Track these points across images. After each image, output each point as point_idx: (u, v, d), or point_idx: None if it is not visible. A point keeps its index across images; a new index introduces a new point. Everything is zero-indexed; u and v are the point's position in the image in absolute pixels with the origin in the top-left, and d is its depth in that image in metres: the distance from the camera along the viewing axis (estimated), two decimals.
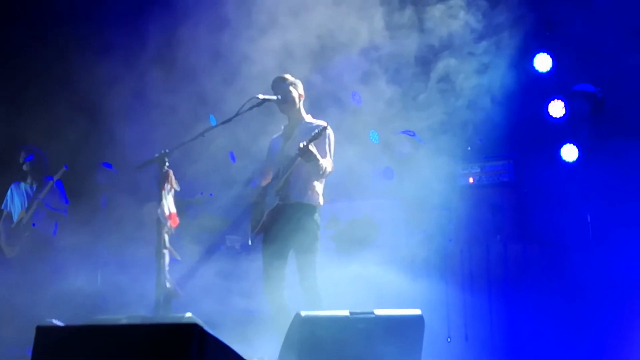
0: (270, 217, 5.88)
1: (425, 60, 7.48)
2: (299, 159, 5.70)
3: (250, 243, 6.07)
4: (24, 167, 8.35)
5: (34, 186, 8.35)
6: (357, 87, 7.50)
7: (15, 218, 8.24)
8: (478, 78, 7.24)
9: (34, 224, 8.13)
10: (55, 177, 8.13)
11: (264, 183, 6.05)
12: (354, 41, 7.16)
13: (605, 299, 6.53)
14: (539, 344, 6.68)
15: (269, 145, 6.23)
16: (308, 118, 6.09)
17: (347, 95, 7.62)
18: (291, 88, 6.00)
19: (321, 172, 5.77)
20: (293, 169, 5.80)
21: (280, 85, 5.99)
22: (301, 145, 5.64)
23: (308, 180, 5.88)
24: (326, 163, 5.79)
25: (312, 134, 5.71)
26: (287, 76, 6.05)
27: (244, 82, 6.87)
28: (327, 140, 5.87)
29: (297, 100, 6.03)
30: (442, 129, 7.41)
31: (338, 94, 7.49)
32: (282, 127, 6.18)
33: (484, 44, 7.22)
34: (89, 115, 8.50)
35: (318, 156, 5.70)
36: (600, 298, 6.56)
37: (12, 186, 8.42)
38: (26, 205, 8.23)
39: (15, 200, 8.34)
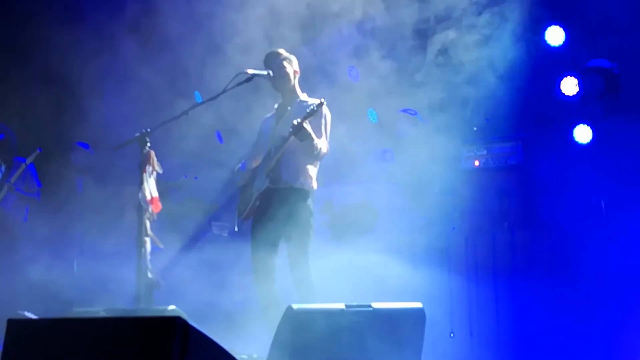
0: (260, 202, 5.88)
1: (425, 33, 7.46)
2: (292, 137, 5.69)
3: (236, 229, 6.06)
4: None
5: (3, 167, 8.32)
6: (352, 61, 7.48)
7: None
8: (484, 52, 7.21)
9: (3, 209, 8.11)
10: (28, 160, 8.09)
11: (254, 165, 6.04)
12: (347, 11, 7.14)
13: (620, 291, 6.54)
14: (548, 340, 6.71)
15: (260, 126, 6.22)
16: (303, 96, 6.08)
17: (341, 70, 7.59)
18: (285, 63, 5.99)
19: (315, 153, 5.76)
20: (285, 149, 5.79)
21: (274, 61, 5.97)
22: (295, 122, 5.63)
23: (301, 162, 5.87)
24: (321, 143, 5.78)
25: (307, 110, 5.70)
26: (281, 51, 6.03)
27: (231, 54, 6.84)
28: (323, 119, 5.86)
29: (291, 76, 6.02)
30: (446, 107, 7.39)
31: (331, 68, 7.47)
32: (275, 107, 6.17)
33: (489, 15, 7.19)
34: (61, 91, 8.43)
35: (313, 135, 5.69)
36: (615, 290, 6.57)
37: None
38: None
39: None
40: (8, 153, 8.34)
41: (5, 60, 8.73)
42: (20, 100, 8.31)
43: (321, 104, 5.73)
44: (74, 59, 8.27)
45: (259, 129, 6.21)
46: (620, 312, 6.50)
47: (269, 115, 6.20)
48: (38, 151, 8.05)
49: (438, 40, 7.26)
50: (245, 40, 6.85)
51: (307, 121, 5.66)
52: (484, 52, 7.21)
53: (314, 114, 5.70)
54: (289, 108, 6.02)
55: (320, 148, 5.77)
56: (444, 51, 7.25)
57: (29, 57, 8.62)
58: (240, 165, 6.15)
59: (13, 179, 8.04)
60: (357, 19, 7.27)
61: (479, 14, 7.14)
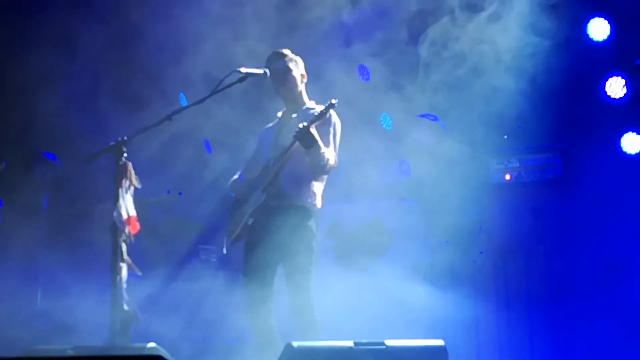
0: (254, 220, 5.87)
1: (446, 26, 7.47)
2: (296, 145, 5.68)
3: (225, 251, 6.05)
4: None
5: None
6: (369, 57, 7.53)
7: None
8: (516, 49, 7.23)
9: None
10: None
11: (251, 178, 6.04)
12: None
13: None
14: None
15: (258, 137, 6.22)
16: (311, 103, 6.08)
17: (350, 70, 7.63)
18: (291, 66, 6.00)
19: (322, 164, 5.75)
20: (287, 160, 5.79)
21: (277, 63, 5.98)
22: (301, 125, 5.63)
23: (305, 176, 5.87)
24: (329, 153, 5.77)
25: (320, 110, 5.70)
26: (286, 51, 6.05)
27: (221, 48, 6.89)
28: (331, 127, 5.86)
29: (298, 81, 6.03)
30: (471, 112, 7.41)
31: (336, 68, 7.50)
32: (278, 115, 6.17)
33: (524, 4, 7.20)
34: (24, 95, 8.47)
35: (320, 142, 5.68)
36: None
37: None
38: None
39: None
40: None
41: None
42: None
43: (331, 104, 5.71)
44: (39, 60, 8.32)
45: (258, 140, 6.21)
46: None
47: (270, 125, 6.19)
48: (3, 165, 8.06)
49: (460, 32, 7.27)
50: (237, 33, 6.90)
51: (314, 126, 5.65)
52: (516, 48, 7.22)
53: (323, 117, 5.69)
54: (293, 116, 6.02)
55: (328, 159, 5.76)
56: (468, 46, 7.25)
57: None
58: (236, 176, 6.14)
59: None
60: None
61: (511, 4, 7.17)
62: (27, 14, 8.59)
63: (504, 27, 7.17)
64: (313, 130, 5.65)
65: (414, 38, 7.56)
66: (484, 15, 7.21)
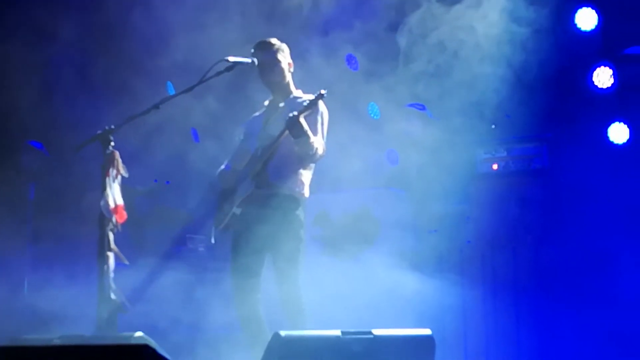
0: (242, 210, 5.87)
1: (433, 14, 7.46)
2: (285, 135, 5.69)
3: (213, 241, 6.05)
4: None
5: None
6: (354, 46, 7.51)
7: None
8: (503, 37, 7.22)
9: None
10: None
11: (238, 168, 6.03)
12: None
13: None
14: None
15: (246, 124, 6.22)
16: (298, 92, 6.09)
17: (337, 58, 7.62)
18: (279, 56, 6.00)
19: (311, 153, 5.76)
20: (275, 149, 5.79)
21: (265, 52, 5.97)
22: (290, 114, 5.63)
23: (293, 165, 5.87)
24: (317, 142, 5.78)
25: (309, 100, 5.70)
26: (274, 41, 6.04)
27: (211, 35, 6.88)
28: (319, 116, 5.87)
29: (286, 71, 6.03)
30: (459, 102, 7.41)
31: (322, 56, 7.49)
32: (265, 104, 6.17)
33: None
34: (8, 84, 8.42)
35: (309, 132, 5.69)
36: None
37: None
38: None
39: None
40: None
41: None
42: None
43: (321, 95, 5.72)
44: (24, 47, 8.27)
45: (244, 128, 6.21)
46: None
47: (257, 114, 6.19)
48: None
49: (446, 21, 7.26)
50: (224, 17, 6.89)
51: (303, 116, 5.66)
52: (504, 38, 7.22)
53: (313, 107, 5.70)
54: (281, 105, 6.03)
55: (317, 148, 5.77)
56: (455, 35, 7.24)
57: None
58: (223, 167, 6.13)
59: None
60: None
61: None
62: (10, 3, 8.54)
63: (491, 17, 7.16)
64: (302, 120, 5.65)
65: (394, 27, 7.55)
66: (470, 5, 7.19)
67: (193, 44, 7.20)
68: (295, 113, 5.64)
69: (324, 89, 5.75)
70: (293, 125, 5.64)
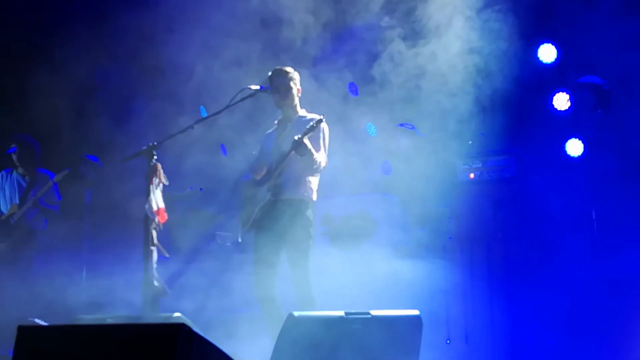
0: (262, 213, 5.87)
1: (420, 47, 7.46)
2: (292, 152, 5.70)
3: (240, 240, 6.05)
4: (13, 158, 8.31)
5: (27, 178, 8.30)
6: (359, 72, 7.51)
7: (5, 210, 8.19)
8: (480, 69, 7.22)
9: (25, 219, 8.09)
10: (56, 179, 8.10)
11: (257, 178, 6.05)
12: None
13: (612, 298, 6.54)
14: (541, 347, 6.69)
15: (262, 141, 6.23)
16: (302, 112, 6.10)
17: (342, 84, 7.62)
18: (292, 84, 5.99)
19: (315, 167, 5.77)
20: (286, 163, 5.80)
21: (280, 80, 5.97)
22: (295, 137, 5.64)
23: (301, 175, 5.88)
24: (320, 157, 5.79)
25: (307, 127, 5.71)
26: (288, 69, 6.04)
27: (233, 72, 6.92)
28: (321, 134, 5.87)
29: (296, 96, 6.04)
30: (442, 122, 7.40)
31: (329, 82, 7.49)
32: (275, 122, 6.18)
33: (485, 34, 7.20)
34: (71, 107, 8.46)
35: (312, 150, 5.70)
36: (607, 298, 6.57)
37: (3, 173, 8.37)
38: (17, 198, 8.19)
39: (6, 190, 8.29)
40: (29, 163, 8.31)
41: (33, 76, 8.69)
42: (37, 114, 8.31)
43: (320, 120, 5.74)
44: (90, 78, 8.33)
45: (261, 143, 6.22)
46: (611, 318, 6.49)
47: (270, 131, 6.20)
48: (66, 171, 8.06)
49: (433, 56, 7.25)
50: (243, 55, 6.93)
51: (306, 137, 5.67)
52: (479, 70, 7.22)
53: (313, 130, 5.71)
54: (289, 124, 6.04)
55: (320, 162, 5.79)
56: (439, 68, 7.24)
57: (54, 73, 8.61)
58: (245, 177, 6.15)
59: (39, 194, 8.03)
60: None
61: (473, 31, 7.15)
62: (69, 29, 8.57)
63: (467, 55, 7.16)
64: (306, 141, 5.67)
65: (372, 60, 7.53)
66: (446, 45, 7.19)
67: (217, 74, 7.23)
68: (300, 136, 5.65)
69: (322, 115, 5.77)
70: (298, 146, 5.65)
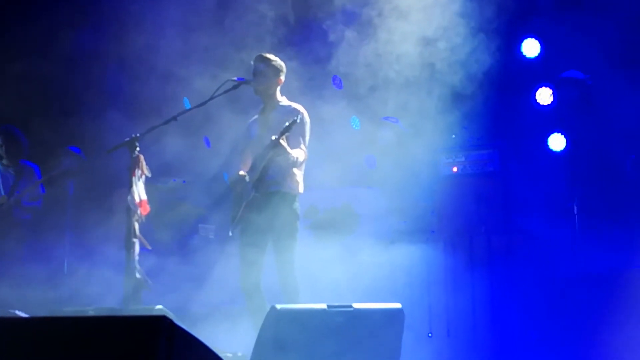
0: (248, 208, 5.84)
1: (403, 41, 7.44)
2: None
3: (230, 234, 6.01)
4: None
5: (10, 170, 8.19)
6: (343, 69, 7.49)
7: None
8: (463, 63, 7.21)
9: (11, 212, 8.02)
10: (42, 180, 8.02)
11: (244, 169, 5.99)
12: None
13: (593, 292, 6.57)
14: (523, 340, 6.71)
15: (246, 127, 6.18)
16: (283, 100, 6.04)
17: (326, 77, 7.60)
18: (268, 71, 5.92)
19: (293, 162, 5.77)
20: (269, 158, 5.76)
21: (256, 64, 5.94)
22: (273, 138, 5.61)
23: (286, 168, 5.84)
24: (297, 153, 5.76)
25: (285, 124, 5.64)
26: (269, 56, 5.97)
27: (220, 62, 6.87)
28: (301, 128, 5.83)
29: (272, 84, 5.96)
30: (426, 116, 7.39)
31: (317, 74, 7.47)
32: (259, 110, 6.14)
33: (469, 27, 7.19)
34: (53, 100, 8.40)
35: (288, 149, 5.66)
36: (587, 291, 6.60)
37: None
38: (1, 190, 8.10)
39: None
40: (14, 155, 8.20)
41: (19, 65, 8.56)
42: (21, 106, 8.23)
43: (294, 121, 5.67)
44: (73, 68, 8.25)
45: (246, 128, 6.16)
46: (592, 311, 6.52)
47: (253, 118, 6.16)
48: (52, 173, 7.99)
49: (416, 50, 7.23)
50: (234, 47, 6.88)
51: (283, 137, 5.62)
52: (462, 64, 7.21)
53: (290, 130, 5.66)
54: (270, 113, 6.00)
55: (297, 158, 5.77)
56: (422, 62, 7.22)
57: (34, 63, 8.52)
58: (234, 172, 6.11)
59: (23, 194, 7.93)
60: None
61: (457, 25, 7.14)
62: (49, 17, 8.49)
63: (452, 50, 7.15)
64: (283, 142, 5.63)
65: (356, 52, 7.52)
66: (434, 39, 7.17)
67: (202, 67, 7.19)
68: (277, 136, 5.61)
69: (297, 117, 5.69)
70: (275, 146, 5.63)
